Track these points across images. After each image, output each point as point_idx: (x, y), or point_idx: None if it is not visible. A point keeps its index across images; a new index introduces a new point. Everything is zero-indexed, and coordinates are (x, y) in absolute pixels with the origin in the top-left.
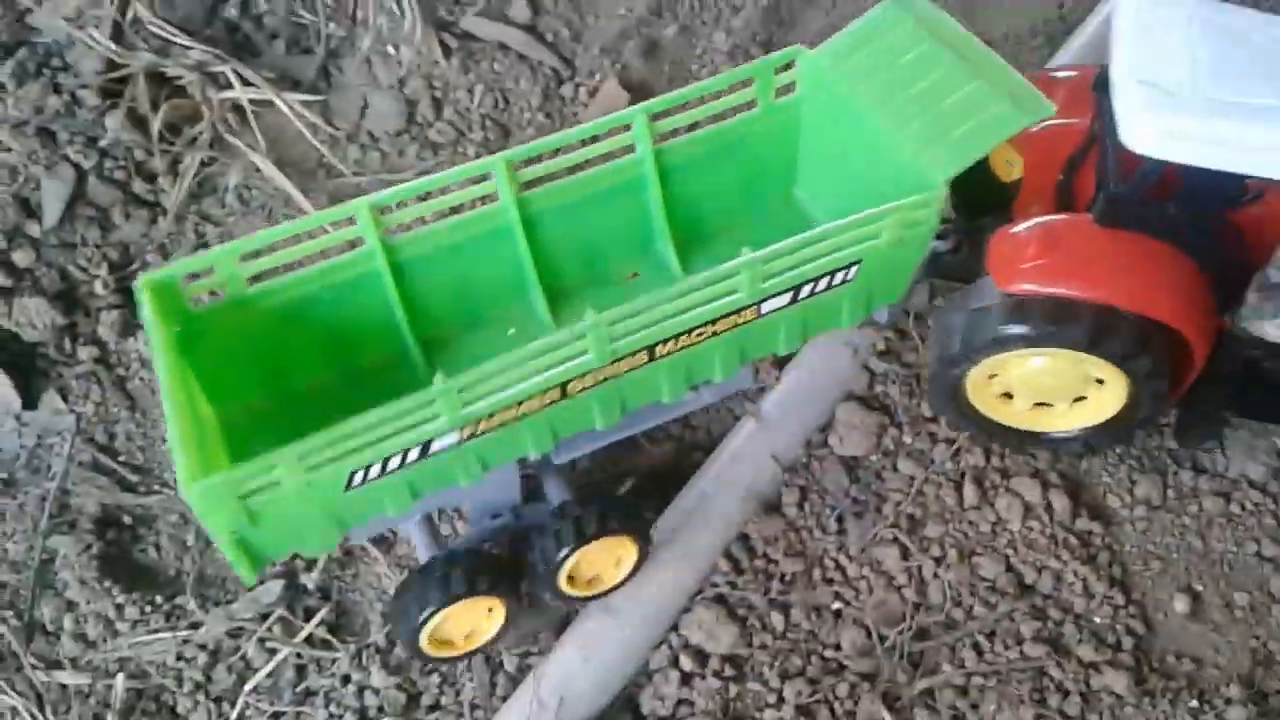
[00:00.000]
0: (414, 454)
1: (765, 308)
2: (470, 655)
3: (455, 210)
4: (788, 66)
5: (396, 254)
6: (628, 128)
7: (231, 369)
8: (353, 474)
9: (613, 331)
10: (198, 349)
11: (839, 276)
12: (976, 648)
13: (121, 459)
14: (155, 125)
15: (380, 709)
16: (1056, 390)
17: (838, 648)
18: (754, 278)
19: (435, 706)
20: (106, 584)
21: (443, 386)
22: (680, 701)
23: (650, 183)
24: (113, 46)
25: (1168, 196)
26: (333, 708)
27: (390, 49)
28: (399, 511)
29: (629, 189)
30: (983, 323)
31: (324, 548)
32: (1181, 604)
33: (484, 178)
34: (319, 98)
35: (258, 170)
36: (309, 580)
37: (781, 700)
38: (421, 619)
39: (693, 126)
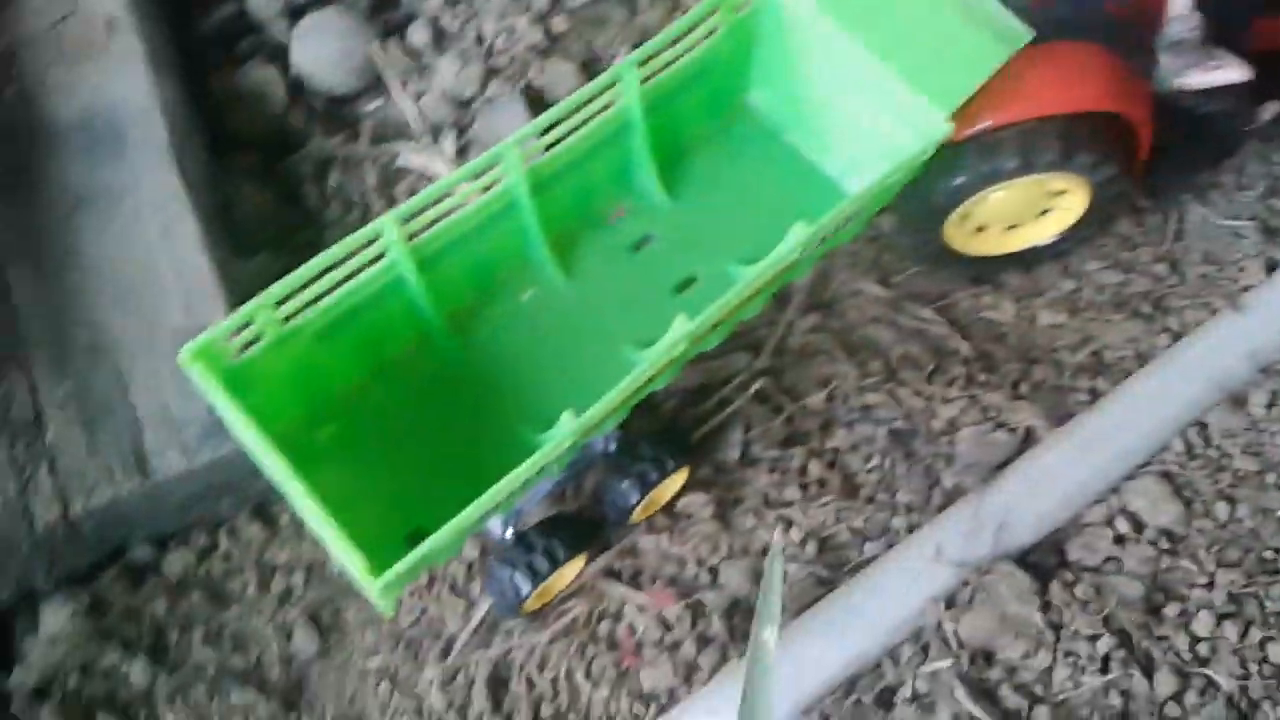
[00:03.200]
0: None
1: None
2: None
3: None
4: None
5: (419, 254)
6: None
7: (274, 401)
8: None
9: (699, 328)
10: (245, 396)
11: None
12: None
13: None
14: None
15: (821, 484)
16: (1024, 210)
17: (1278, 551)
18: (807, 246)
19: (871, 500)
20: None
21: (573, 425)
22: (1109, 558)
23: (637, 126)
24: None
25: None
26: None
27: None
28: (506, 510)
29: (615, 134)
30: (957, 169)
31: (451, 558)
32: None
33: (498, 161)
34: None
35: None
36: None
37: (1213, 584)
38: (525, 594)
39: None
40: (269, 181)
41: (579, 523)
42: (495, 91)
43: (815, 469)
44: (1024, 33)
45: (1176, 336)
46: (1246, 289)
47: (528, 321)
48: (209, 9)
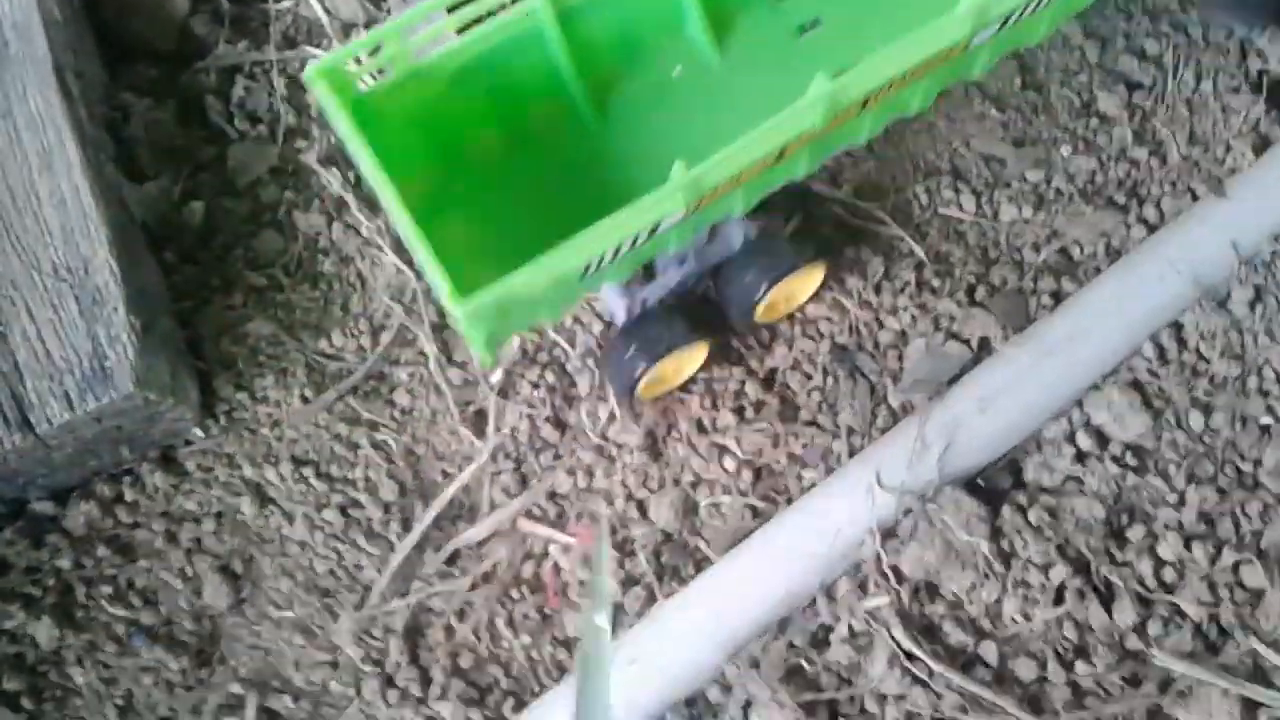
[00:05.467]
0: (644, 236)
1: (974, 41)
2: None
3: None
4: None
5: (560, 4)
6: None
7: (402, 147)
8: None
9: (836, 94)
10: (370, 132)
11: None
12: None
13: None
14: None
15: (757, 408)
16: None
17: (1259, 463)
18: (981, 19)
19: (811, 423)
20: None
21: (684, 179)
22: (1069, 478)
23: None
24: None
25: None
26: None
27: None
28: (620, 280)
29: None
30: None
31: (554, 320)
32: None
33: None
34: None
35: None
36: None
37: (1183, 502)
38: (641, 370)
39: None
40: (168, 96)
41: (701, 308)
42: None
43: (752, 390)
44: None
45: (1153, 228)
46: (1233, 172)
47: (674, 101)
48: None
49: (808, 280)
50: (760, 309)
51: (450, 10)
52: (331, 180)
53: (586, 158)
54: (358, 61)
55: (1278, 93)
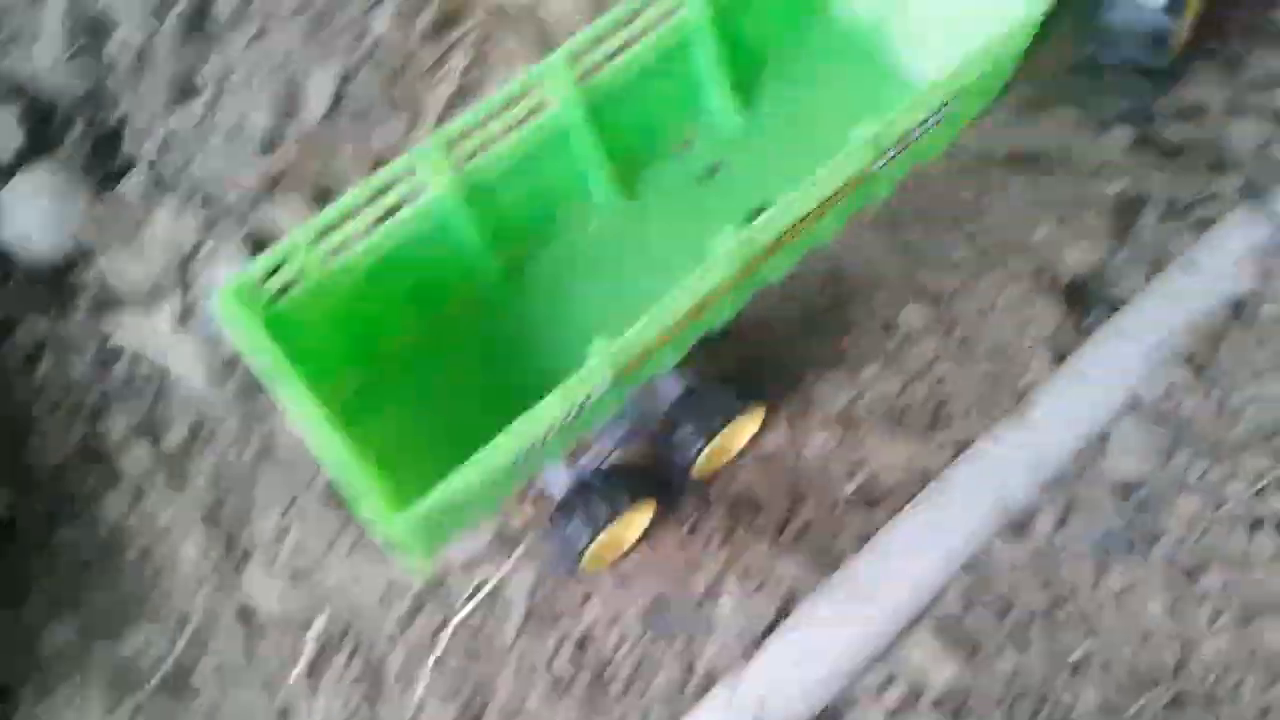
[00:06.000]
0: (574, 414)
1: (875, 167)
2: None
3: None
4: None
5: (467, 185)
6: None
7: (323, 352)
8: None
9: (750, 243)
10: (288, 344)
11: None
12: None
13: None
14: (421, 22)
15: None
16: None
17: (1073, 706)
18: (875, 150)
19: (624, 693)
20: None
21: (605, 354)
22: None
23: (705, 38)
24: None
25: None
26: None
27: None
28: (553, 460)
29: (679, 47)
30: None
31: (489, 517)
32: None
33: (543, 81)
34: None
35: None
36: None
37: None
38: (585, 542)
39: None
40: None
41: (643, 470)
42: (214, 242)
43: (564, 659)
44: None
45: (958, 450)
46: (1033, 386)
47: (589, 258)
48: None
49: (745, 427)
50: (699, 465)
51: (351, 216)
52: (135, 462)
53: (510, 332)
54: (270, 275)
55: (1077, 295)
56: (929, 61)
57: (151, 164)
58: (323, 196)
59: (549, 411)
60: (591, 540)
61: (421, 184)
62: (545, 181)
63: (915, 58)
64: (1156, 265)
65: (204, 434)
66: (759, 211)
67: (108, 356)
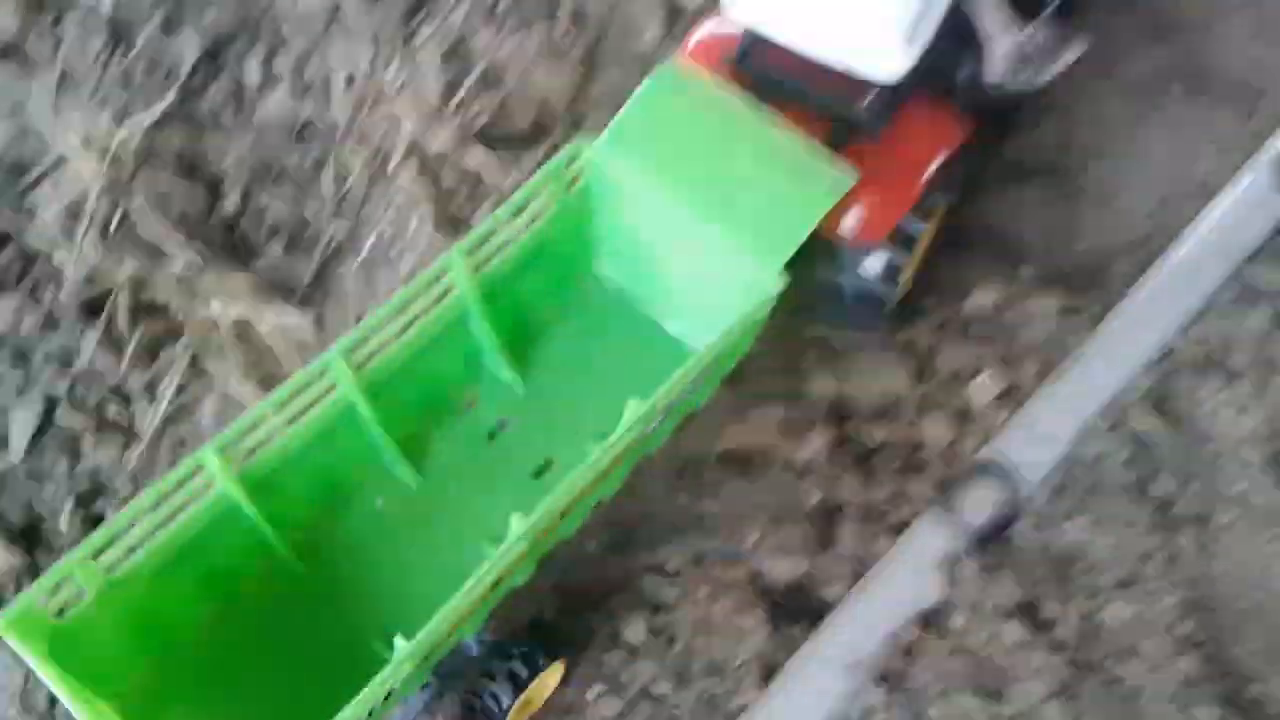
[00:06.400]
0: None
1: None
2: None
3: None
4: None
5: (248, 479)
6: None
7: (114, 656)
8: None
9: (537, 523)
10: (79, 654)
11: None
12: None
13: None
14: (132, 349)
15: None
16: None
17: None
18: (645, 419)
19: None
20: None
21: (406, 650)
22: None
23: (475, 313)
24: (97, 255)
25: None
26: None
27: (392, 252)
28: None
29: (456, 323)
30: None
31: None
32: None
33: (323, 372)
34: (307, 316)
35: (232, 398)
36: None
37: None
38: None
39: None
40: None
41: None
42: None
43: None
44: (845, 178)
45: None
46: (744, 708)
47: (382, 530)
48: None
49: (550, 677)
50: (512, 714)
51: (130, 527)
52: None
53: (304, 615)
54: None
55: (785, 607)
56: (678, 320)
57: None
58: (29, 534)
59: (357, 710)
60: None
61: (206, 482)
62: (334, 463)
63: (666, 315)
64: (858, 570)
65: None
66: (545, 466)
67: None
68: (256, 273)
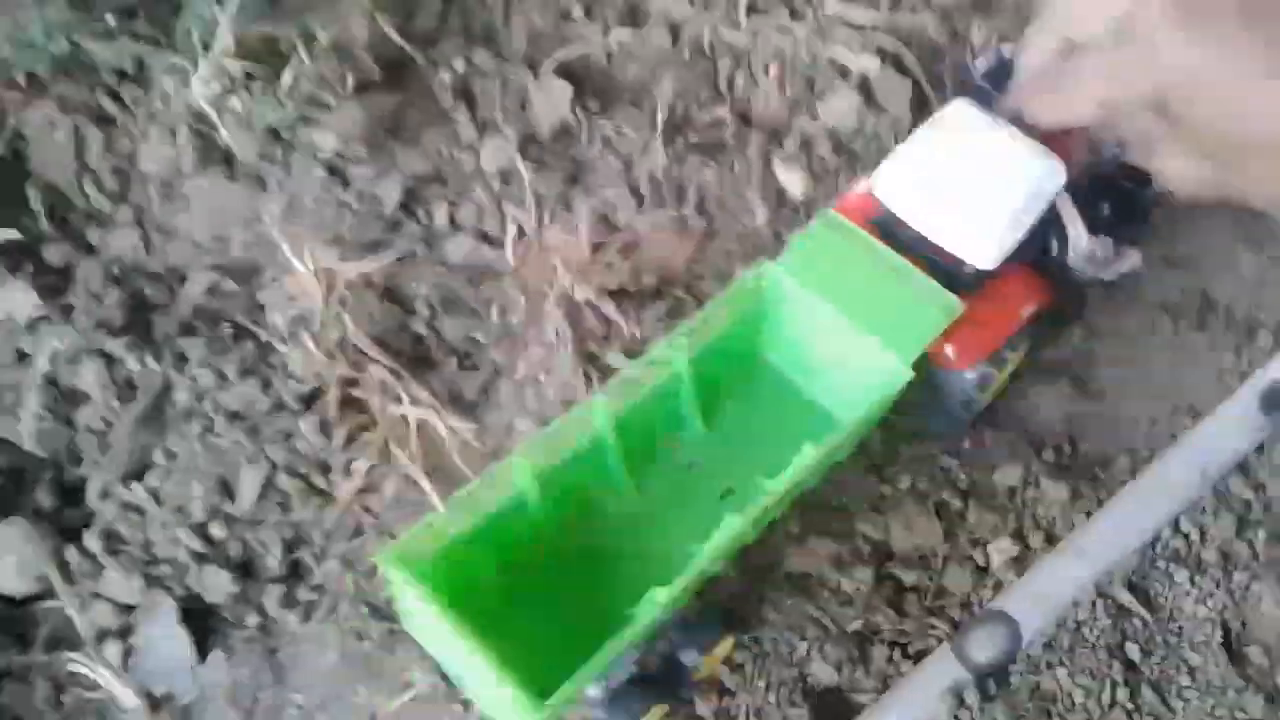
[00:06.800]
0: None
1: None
2: None
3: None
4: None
5: (540, 480)
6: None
7: (436, 589)
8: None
9: (742, 529)
10: (439, 577)
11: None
12: None
13: None
14: (338, 434)
15: None
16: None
17: None
18: (817, 466)
19: None
20: None
21: (657, 602)
22: None
23: (685, 381)
24: (318, 357)
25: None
26: None
27: (541, 375)
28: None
29: (669, 387)
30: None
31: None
32: None
33: (589, 410)
34: (472, 425)
35: (412, 479)
36: None
37: None
38: None
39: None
40: None
41: (656, 681)
42: (153, 600)
43: None
44: (955, 305)
45: None
46: None
47: (613, 527)
48: None
49: (721, 651)
50: (695, 673)
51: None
52: None
53: (560, 575)
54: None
55: (825, 706)
56: (828, 397)
57: (107, 525)
58: (245, 567)
59: (623, 641)
60: None
61: (511, 475)
62: (585, 478)
63: (819, 394)
64: (883, 686)
65: None
66: (728, 492)
67: (60, 688)
68: (436, 383)
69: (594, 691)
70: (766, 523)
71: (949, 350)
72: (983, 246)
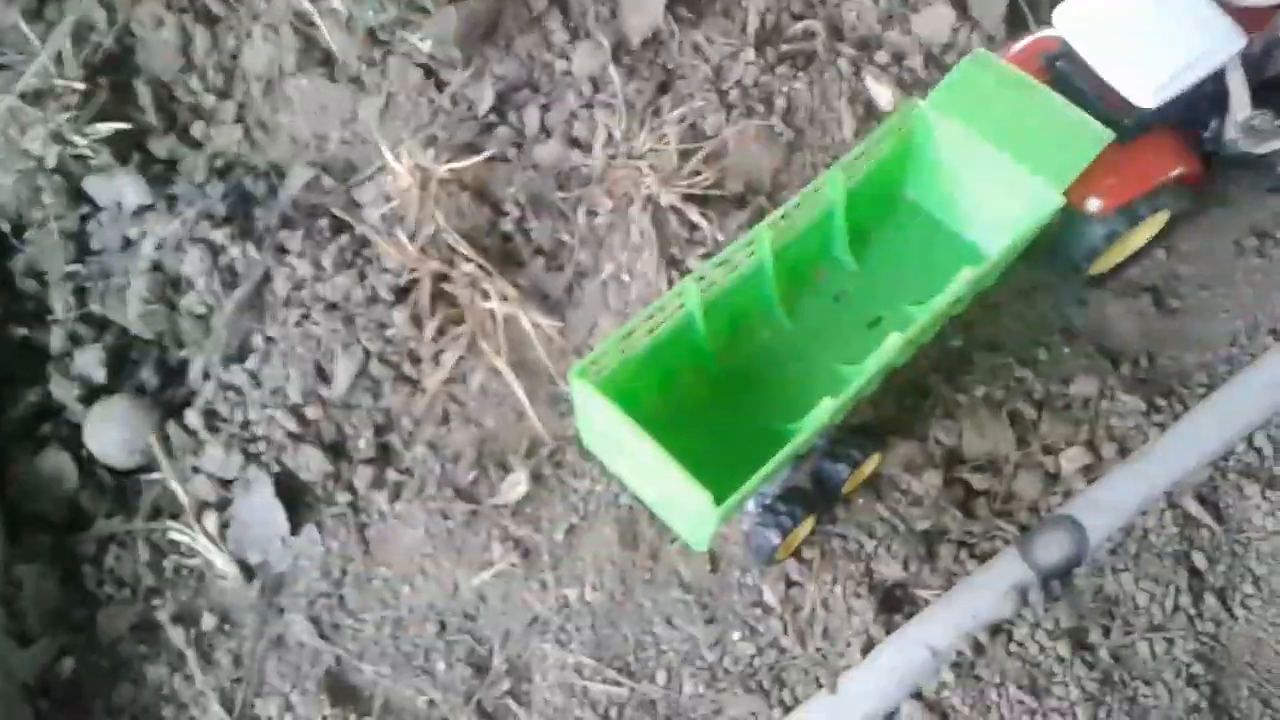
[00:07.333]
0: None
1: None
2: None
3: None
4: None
5: (704, 303)
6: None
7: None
8: None
9: (900, 348)
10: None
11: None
12: None
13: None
14: (429, 326)
15: None
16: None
17: None
18: (971, 289)
19: None
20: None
21: (829, 408)
22: None
23: (838, 213)
24: (411, 251)
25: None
26: None
27: (625, 276)
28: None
29: (822, 219)
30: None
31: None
32: None
33: (751, 243)
34: (557, 321)
35: (498, 371)
36: None
37: None
38: (776, 544)
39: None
40: (56, 562)
41: (809, 493)
42: (251, 475)
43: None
44: (1106, 134)
45: (787, 709)
46: (848, 668)
47: (768, 351)
48: (17, 393)
49: (872, 462)
50: (846, 486)
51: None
52: (177, 637)
53: (721, 394)
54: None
55: (890, 599)
56: (976, 229)
57: (208, 404)
58: (336, 448)
59: (791, 450)
60: (780, 544)
61: (683, 300)
62: (745, 303)
63: (965, 226)
64: (949, 582)
65: (229, 624)
66: (877, 321)
67: (161, 553)
68: (523, 281)
69: (751, 506)
70: (916, 347)
71: (1087, 195)
72: (1148, 85)
